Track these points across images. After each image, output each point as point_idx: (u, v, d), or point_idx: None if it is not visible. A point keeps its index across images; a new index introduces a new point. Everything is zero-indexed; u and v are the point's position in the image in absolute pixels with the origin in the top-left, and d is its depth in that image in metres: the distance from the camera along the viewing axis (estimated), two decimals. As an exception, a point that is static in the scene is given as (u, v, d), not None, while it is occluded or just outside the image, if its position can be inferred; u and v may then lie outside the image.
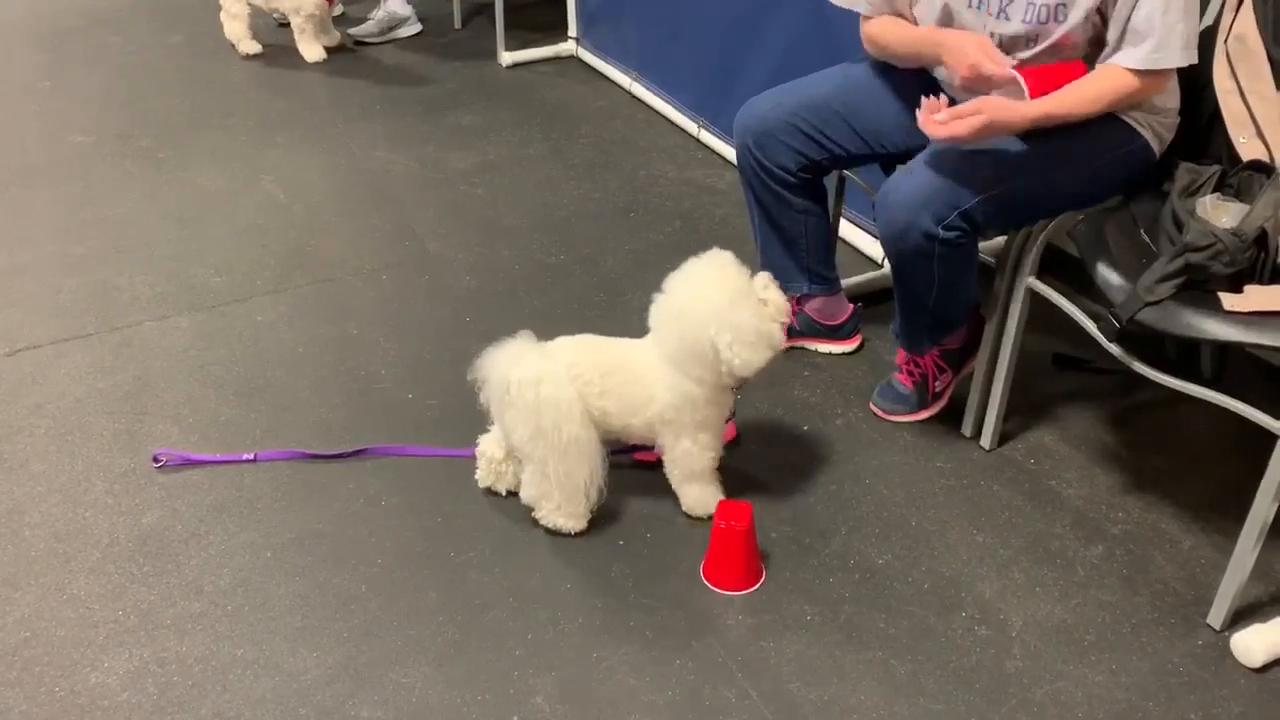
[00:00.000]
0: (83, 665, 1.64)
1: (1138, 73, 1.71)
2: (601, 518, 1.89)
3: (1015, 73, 1.71)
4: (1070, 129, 1.77)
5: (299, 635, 1.69)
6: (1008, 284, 1.89)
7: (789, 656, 1.65)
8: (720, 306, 1.68)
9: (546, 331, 2.40)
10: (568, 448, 1.75)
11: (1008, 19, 1.77)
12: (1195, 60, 1.72)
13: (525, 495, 1.87)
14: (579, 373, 1.76)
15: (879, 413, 2.12)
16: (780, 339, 1.75)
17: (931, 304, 1.93)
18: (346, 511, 1.93)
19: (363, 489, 1.97)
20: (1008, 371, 1.95)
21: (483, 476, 1.94)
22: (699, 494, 1.88)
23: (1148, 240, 1.73)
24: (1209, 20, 1.81)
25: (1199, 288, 1.61)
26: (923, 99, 1.75)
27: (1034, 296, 1.86)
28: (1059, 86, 1.73)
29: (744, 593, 1.76)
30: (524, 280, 2.59)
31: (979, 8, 1.81)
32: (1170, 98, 1.82)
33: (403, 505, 1.94)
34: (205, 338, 2.39)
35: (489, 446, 1.92)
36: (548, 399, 1.72)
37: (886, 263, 2.56)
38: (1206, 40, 1.79)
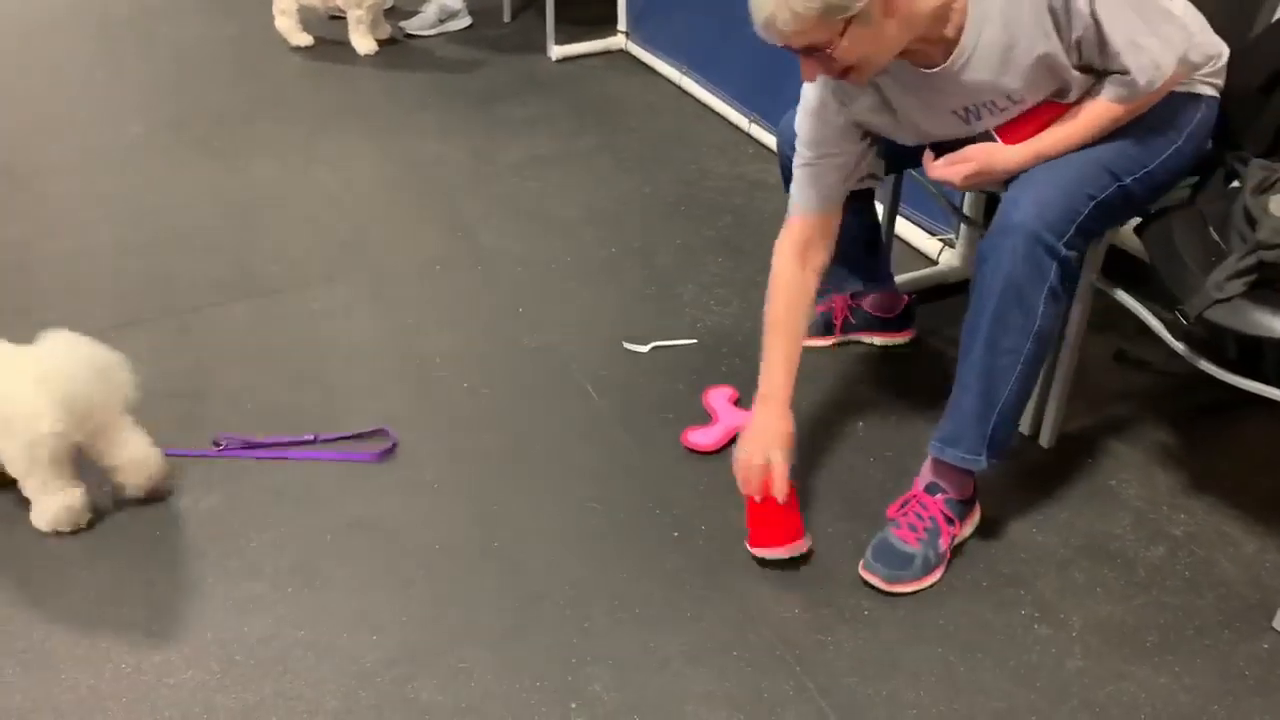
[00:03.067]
0: (145, 645, 1.67)
1: (1124, 101, 1.63)
2: (657, 510, 1.90)
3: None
4: (1156, 120, 1.69)
5: (358, 618, 1.71)
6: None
7: (846, 651, 1.64)
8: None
9: (599, 322, 2.41)
10: None
11: (979, 119, 1.71)
12: (1193, 54, 1.64)
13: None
14: None
15: (876, 581, 1.75)
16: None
17: (1009, 381, 1.69)
18: (403, 496, 1.94)
19: (419, 474, 1.99)
20: (1068, 370, 1.93)
21: None
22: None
23: (1217, 238, 1.71)
24: (1281, 15, 1.78)
25: (1270, 286, 1.58)
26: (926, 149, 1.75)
27: (1097, 294, 1.84)
28: (1039, 129, 1.68)
29: (788, 549, 1.75)
30: (575, 272, 2.60)
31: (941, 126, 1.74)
32: (1211, 40, 1.72)
33: (457, 491, 1.95)
34: (262, 324, 2.42)
35: None
36: None
37: (941, 258, 2.56)
38: (1277, 33, 1.76)
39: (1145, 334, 1.76)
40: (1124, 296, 1.79)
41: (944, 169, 1.70)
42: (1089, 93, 1.66)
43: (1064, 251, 1.62)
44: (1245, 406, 2.04)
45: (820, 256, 1.87)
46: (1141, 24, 1.58)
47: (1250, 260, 1.58)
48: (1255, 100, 1.82)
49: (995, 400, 1.70)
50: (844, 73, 1.62)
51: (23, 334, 2.39)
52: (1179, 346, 1.69)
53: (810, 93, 1.79)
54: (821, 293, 2.21)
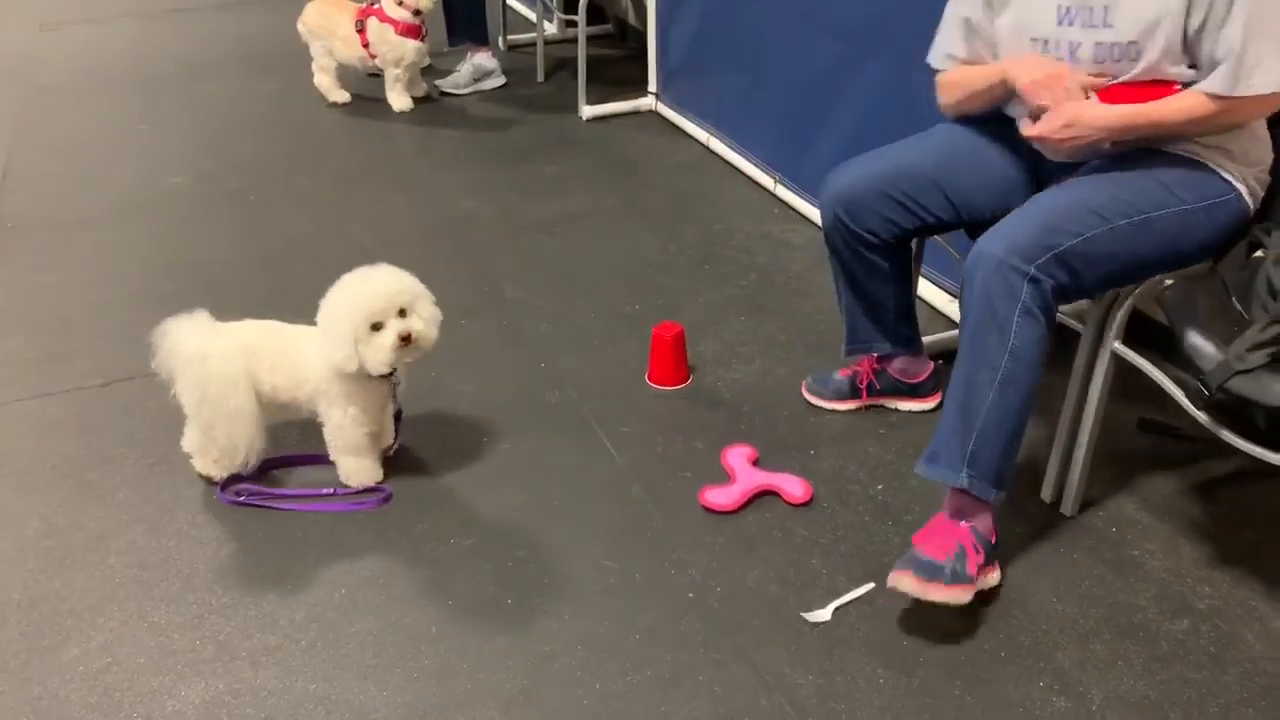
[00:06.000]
0: (160, 693, 1.68)
1: (1215, 97, 1.69)
2: (672, 571, 1.89)
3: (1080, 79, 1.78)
4: (1163, 179, 1.76)
5: (370, 673, 1.71)
6: (1092, 348, 1.87)
7: None
8: (330, 306, 1.94)
9: (621, 379, 2.43)
10: (232, 415, 1.96)
11: (1076, 60, 1.80)
12: None
13: (186, 446, 2.10)
14: (254, 351, 1.98)
15: (908, 583, 1.72)
16: (374, 369, 1.94)
17: (986, 397, 1.73)
18: (419, 551, 1.95)
19: (436, 529, 2.00)
20: (1090, 437, 1.92)
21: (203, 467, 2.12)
22: (355, 465, 2.08)
23: (1240, 308, 1.70)
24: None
25: (1293, 358, 1.57)
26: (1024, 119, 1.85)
27: (1119, 361, 1.83)
28: (1135, 100, 1.75)
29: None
30: (599, 328, 2.62)
31: (1045, 47, 1.84)
32: (1264, 150, 1.80)
33: (474, 548, 1.95)
34: (288, 376, 2.45)
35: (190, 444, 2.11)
36: (214, 372, 1.94)
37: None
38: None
39: (1171, 401, 1.74)
40: (1145, 364, 1.78)
41: (1038, 127, 1.79)
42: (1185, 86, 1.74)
43: (1033, 272, 1.69)
44: (1272, 476, 2.01)
45: None
46: (1274, 28, 1.63)
47: (1272, 331, 1.57)
48: (1277, 171, 1.82)
49: (972, 418, 1.74)
50: None
51: (54, 381, 2.44)
52: (1201, 416, 1.67)
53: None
54: (850, 352, 2.23)
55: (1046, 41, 1.83)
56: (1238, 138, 1.78)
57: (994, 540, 1.82)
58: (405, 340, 1.93)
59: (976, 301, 1.73)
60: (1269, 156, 1.81)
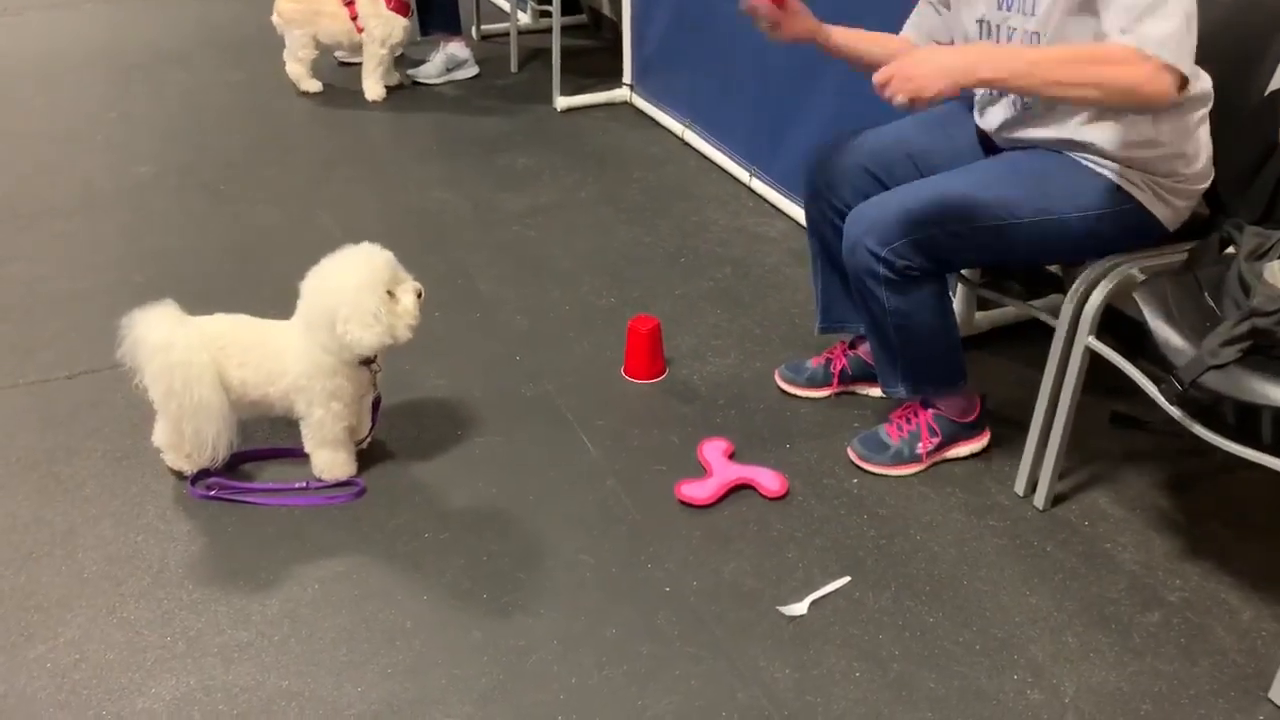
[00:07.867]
0: (130, 690, 1.65)
1: (1130, 51, 1.58)
2: (648, 564, 1.89)
3: None
4: (1049, 187, 1.81)
5: (344, 669, 1.69)
6: (1065, 342, 1.88)
7: (836, 713, 1.62)
8: (348, 284, 1.89)
9: (596, 373, 2.42)
10: (197, 408, 1.92)
11: (1010, 8, 1.82)
12: (1177, 64, 1.57)
13: (156, 440, 2.07)
14: (222, 345, 1.95)
15: (854, 458, 2.11)
16: (404, 335, 1.94)
17: (895, 340, 1.95)
18: (393, 546, 1.93)
19: (410, 524, 1.98)
20: (1063, 431, 1.93)
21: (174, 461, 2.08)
22: (331, 458, 2.05)
23: (1212, 304, 1.71)
24: (1277, 83, 1.80)
25: (1265, 353, 1.59)
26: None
27: (1093, 356, 1.85)
28: None
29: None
30: (574, 321, 2.60)
31: (984, 28, 1.87)
32: (1180, 162, 1.80)
33: (448, 542, 1.94)
34: (259, 368, 2.42)
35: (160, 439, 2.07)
36: (179, 363, 1.89)
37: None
38: (1272, 104, 1.78)
39: (1143, 396, 1.75)
40: (1118, 359, 1.79)
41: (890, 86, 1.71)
42: None
43: (885, 255, 1.84)
44: (1242, 470, 2.03)
45: None
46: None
47: (1244, 327, 1.58)
48: (1249, 168, 1.84)
49: (891, 353, 1.98)
50: None
51: (18, 373, 2.40)
52: (1173, 411, 1.69)
53: None
54: (824, 330, 2.24)
55: (985, 22, 1.86)
56: (1149, 147, 1.77)
57: (974, 416, 2.09)
58: (418, 297, 1.98)
59: (850, 273, 1.92)
60: (1190, 169, 1.81)
